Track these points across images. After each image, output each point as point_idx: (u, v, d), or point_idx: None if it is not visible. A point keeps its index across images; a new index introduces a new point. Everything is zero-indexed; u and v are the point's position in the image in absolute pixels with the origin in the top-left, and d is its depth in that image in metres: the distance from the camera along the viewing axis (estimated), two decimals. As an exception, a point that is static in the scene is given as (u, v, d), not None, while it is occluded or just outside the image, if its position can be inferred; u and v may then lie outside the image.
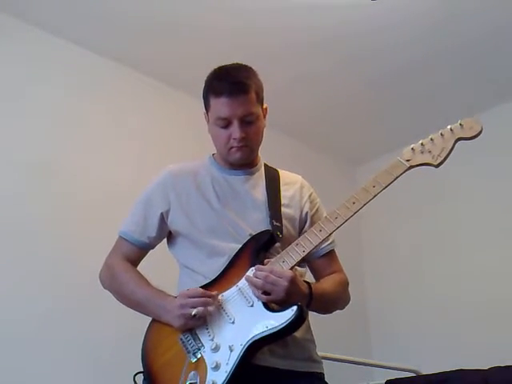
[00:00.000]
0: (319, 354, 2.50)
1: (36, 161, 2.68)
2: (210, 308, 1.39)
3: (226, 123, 1.53)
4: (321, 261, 1.61)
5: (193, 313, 1.37)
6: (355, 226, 4.04)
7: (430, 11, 2.84)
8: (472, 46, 3.11)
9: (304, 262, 1.58)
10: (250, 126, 1.54)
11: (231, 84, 1.51)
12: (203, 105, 1.62)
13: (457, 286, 3.54)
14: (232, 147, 1.55)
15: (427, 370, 2.67)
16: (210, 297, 1.40)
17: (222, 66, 1.59)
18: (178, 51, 3.09)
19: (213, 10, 2.79)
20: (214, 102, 1.53)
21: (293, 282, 1.37)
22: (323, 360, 2.51)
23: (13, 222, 2.53)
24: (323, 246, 1.59)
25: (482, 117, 3.61)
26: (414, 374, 2.84)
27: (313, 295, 1.44)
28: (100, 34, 2.95)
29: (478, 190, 3.62)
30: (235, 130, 1.52)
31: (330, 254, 1.64)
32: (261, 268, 1.40)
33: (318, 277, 1.63)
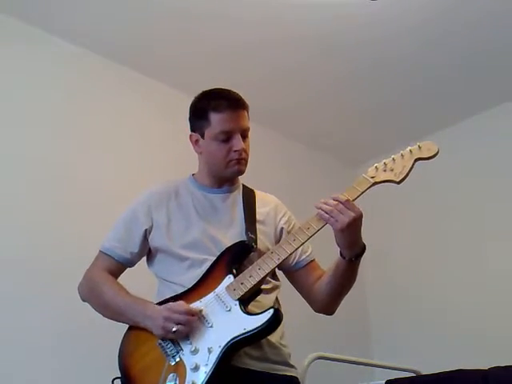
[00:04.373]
0: (319, 354, 2.52)
1: (36, 160, 2.68)
2: (192, 326, 1.44)
3: (228, 137, 1.61)
4: (303, 270, 1.70)
5: (173, 329, 1.42)
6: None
7: (429, 4, 2.83)
8: (472, 40, 3.09)
9: (286, 274, 1.70)
10: (245, 140, 1.64)
11: (233, 100, 1.63)
12: (192, 126, 1.70)
13: (457, 285, 3.54)
14: (231, 160, 1.63)
15: (427, 370, 2.67)
16: (193, 314, 1.44)
17: (213, 89, 1.70)
18: (177, 50, 3.08)
19: (212, 2, 2.79)
20: (216, 117, 1.62)
21: (359, 218, 1.46)
22: (323, 360, 2.53)
23: (13, 221, 2.53)
24: (302, 257, 1.69)
25: (484, 115, 3.66)
26: (414, 374, 2.84)
27: (365, 249, 1.53)
28: (100, 34, 2.95)
29: (478, 189, 3.61)
30: (237, 143, 1.61)
31: (312, 264, 1.72)
32: (335, 197, 1.47)
33: (303, 286, 1.70)
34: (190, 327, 1.43)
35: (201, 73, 2.92)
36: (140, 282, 1.68)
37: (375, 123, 3.84)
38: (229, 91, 1.67)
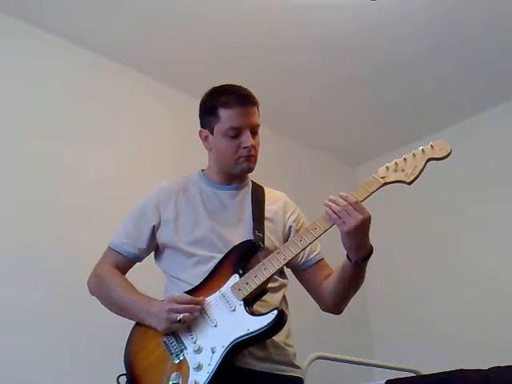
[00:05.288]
0: (319, 354, 2.51)
1: (36, 159, 2.68)
2: (196, 313, 1.45)
3: (237, 133, 1.59)
4: (312, 269, 1.69)
5: (178, 318, 1.42)
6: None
7: (430, 5, 2.83)
8: (473, 41, 3.10)
9: (294, 272, 1.69)
10: (255, 136, 1.63)
11: (243, 96, 1.61)
12: (202, 122, 1.68)
13: (456, 285, 3.54)
14: (240, 157, 1.61)
15: (427, 370, 2.67)
16: (197, 303, 1.45)
17: (223, 84, 1.67)
18: (178, 49, 3.09)
19: (212, 4, 2.80)
20: (225, 113, 1.60)
21: (367, 221, 1.44)
22: (323, 360, 2.53)
23: (12, 218, 2.53)
24: (311, 256, 1.68)
25: (483, 116, 3.66)
26: (414, 374, 2.84)
27: (372, 252, 1.51)
28: (100, 34, 2.96)
29: (479, 191, 3.62)
30: (246, 139, 1.59)
31: (321, 262, 1.70)
32: (344, 197, 1.44)
33: (311, 285, 1.69)
34: (194, 316, 1.44)
35: (203, 75, 2.92)
36: (148, 278, 1.69)
37: (376, 123, 3.85)
38: (239, 87, 1.64)
